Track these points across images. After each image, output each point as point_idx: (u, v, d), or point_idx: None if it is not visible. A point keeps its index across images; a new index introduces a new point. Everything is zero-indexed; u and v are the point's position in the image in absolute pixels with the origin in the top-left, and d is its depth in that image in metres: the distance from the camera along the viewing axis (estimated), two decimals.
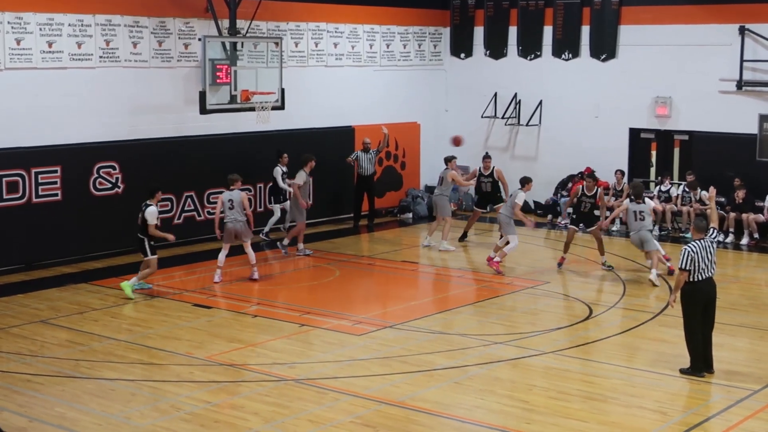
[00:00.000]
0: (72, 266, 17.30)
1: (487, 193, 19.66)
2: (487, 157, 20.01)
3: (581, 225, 17.42)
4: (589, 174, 18.20)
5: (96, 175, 17.91)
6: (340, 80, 22.36)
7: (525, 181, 17.58)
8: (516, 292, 16.01)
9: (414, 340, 13.11)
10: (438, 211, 19.39)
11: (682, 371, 11.71)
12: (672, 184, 21.29)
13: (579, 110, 22.90)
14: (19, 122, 16.96)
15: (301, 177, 18.25)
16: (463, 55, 24.76)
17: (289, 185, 18.92)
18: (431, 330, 13.60)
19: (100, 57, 18.02)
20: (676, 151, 22.13)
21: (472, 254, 18.91)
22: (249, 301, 15.22)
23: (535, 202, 22.87)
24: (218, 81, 18.46)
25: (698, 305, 11.51)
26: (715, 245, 11.63)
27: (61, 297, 15.29)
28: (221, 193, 19.20)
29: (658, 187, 21.32)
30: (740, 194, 19.97)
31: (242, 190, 16.66)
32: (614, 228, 20.81)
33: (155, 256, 15.22)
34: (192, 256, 18.39)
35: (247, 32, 19.29)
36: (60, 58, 17.45)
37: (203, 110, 18.21)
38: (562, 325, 14.05)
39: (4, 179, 16.70)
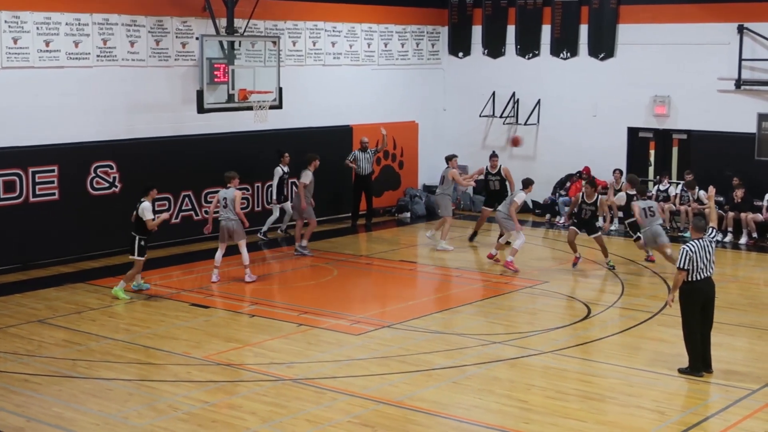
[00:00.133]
0: (69, 266, 17.27)
1: (495, 191, 19.66)
2: (494, 156, 20.04)
3: (583, 230, 17.40)
4: (588, 181, 18.16)
5: (93, 175, 17.88)
6: (337, 79, 22.34)
7: (528, 183, 17.61)
8: (514, 292, 15.99)
9: (412, 340, 13.09)
10: (440, 210, 19.41)
11: (681, 371, 11.70)
12: (670, 183, 21.28)
13: (577, 109, 22.89)
14: (17, 121, 16.93)
15: (308, 176, 18.23)
16: (461, 54, 24.75)
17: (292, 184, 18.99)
18: (429, 329, 13.58)
19: (98, 56, 17.99)
20: (675, 150, 22.12)
21: (470, 254, 18.89)
22: (246, 301, 15.19)
23: (533, 201, 22.85)
24: (216, 80, 18.46)
25: (697, 305, 11.49)
26: (714, 245, 11.60)
27: (58, 297, 15.27)
28: (219, 192, 19.21)
29: (656, 187, 21.31)
30: (739, 193, 19.96)
31: (240, 188, 16.63)
32: (613, 228, 20.79)
33: (142, 258, 15.06)
34: (189, 255, 18.36)
35: (244, 31, 19.27)
36: (57, 57, 17.42)
37: (201, 109, 18.20)
38: (560, 325, 14.03)
39: (1, 178, 16.67)
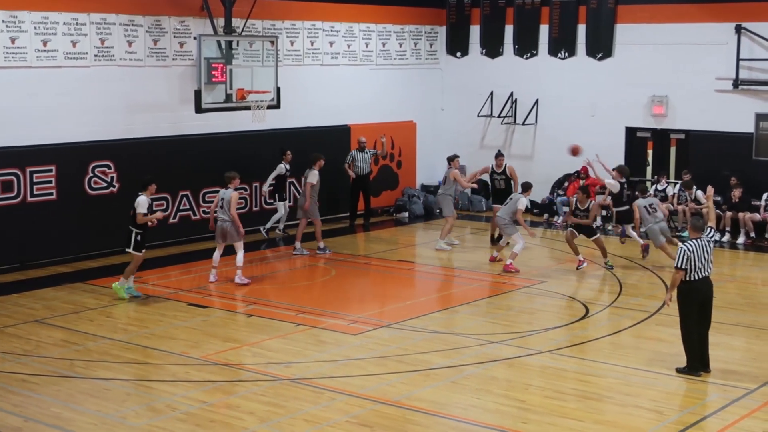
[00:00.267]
0: (67, 265, 17.26)
1: (501, 190, 19.67)
2: (499, 155, 20.07)
3: (581, 234, 17.40)
4: (581, 187, 18.20)
5: (91, 174, 17.87)
6: (336, 79, 22.34)
7: (527, 187, 17.70)
8: (512, 292, 15.99)
9: (410, 340, 13.09)
10: (442, 211, 19.47)
11: (679, 370, 11.70)
12: (668, 183, 21.29)
13: (575, 109, 22.90)
14: (14, 121, 16.92)
15: (315, 176, 18.26)
16: (459, 54, 24.75)
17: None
18: (427, 329, 13.58)
19: (95, 56, 17.98)
20: (673, 150, 22.14)
21: (468, 254, 18.89)
22: (244, 301, 15.19)
23: (531, 201, 22.81)
24: (214, 80, 18.45)
25: (695, 304, 11.49)
26: (712, 244, 11.61)
27: (56, 296, 15.26)
28: (217, 192, 19.19)
29: (654, 186, 21.32)
30: (736, 193, 19.98)
31: (239, 188, 16.58)
32: (609, 227, 20.80)
33: (140, 253, 14.93)
34: (187, 255, 18.36)
35: (242, 31, 19.26)
36: (55, 56, 17.41)
37: (199, 109, 18.19)
38: (558, 325, 14.03)
39: None
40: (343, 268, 17.62)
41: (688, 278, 11.40)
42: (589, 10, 22.67)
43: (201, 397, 10.86)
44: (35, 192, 17.10)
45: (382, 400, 10.77)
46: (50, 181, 17.30)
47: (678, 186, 20.80)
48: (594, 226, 17.47)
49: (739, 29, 20.62)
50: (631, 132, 22.40)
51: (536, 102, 23.46)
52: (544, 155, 23.34)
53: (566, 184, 22.33)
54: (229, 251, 16.45)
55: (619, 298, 15.44)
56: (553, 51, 23.29)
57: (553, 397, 10.92)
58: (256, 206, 20.52)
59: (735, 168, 20.36)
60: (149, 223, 15.04)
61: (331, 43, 22.25)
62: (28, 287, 15.80)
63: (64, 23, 17.48)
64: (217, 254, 16.21)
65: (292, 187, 20.48)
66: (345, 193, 21.81)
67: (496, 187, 19.81)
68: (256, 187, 20.45)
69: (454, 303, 15.32)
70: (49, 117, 17.38)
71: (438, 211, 23.16)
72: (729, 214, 19.93)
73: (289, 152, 19.67)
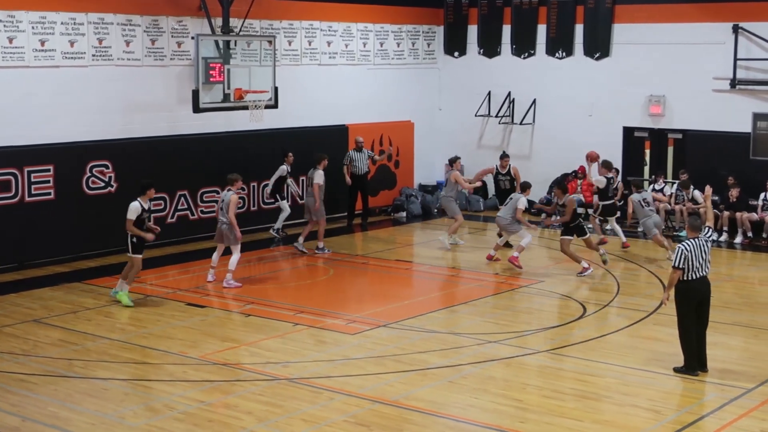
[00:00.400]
0: (65, 265, 17.26)
1: (506, 190, 19.75)
2: (505, 156, 20.18)
3: (573, 234, 17.42)
4: (557, 182, 18.38)
5: (89, 174, 17.87)
6: (333, 79, 22.35)
7: (526, 186, 17.80)
8: (510, 291, 16.01)
9: (408, 339, 13.10)
10: (447, 213, 19.56)
11: (676, 370, 11.72)
12: (665, 182, 21.30)
13: (573, 109, 22.92)
14: (12, 121, 16.91)
15: (321, 176, 18.26)
16: (456, 54, 24.76)
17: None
18: (425, 329, 13.59)
19: (93, 55, 17.98)
20: (670, 149, 22.15)
21: (466, 253, 18.89)
22: (242, 301, 15.19)
23: (529, 200, 22.79)
24: (211, 80, 18.46)
25: (692, 304, 11.51)
26: (709, 244, 11.62)
27: (54, 296, 15.26)
28: (215, 192, 19.23)
29: (651, 186, 21.33)
30: (734, 193, 20.00)
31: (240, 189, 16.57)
32: (608, 227, 20.80)
33: (138, 256, 14.53)
34: (185, 255, 18.36)
35: (240, 31, 19.26)
36: (52, 56, 17.41)
37: (196, 109, 18.19)
38: (556, 324, 14.05)
39: None
40: (341, 268, 17.63)
41: (685, 278, 11.41)
42: (587, 9, 22.69)
43: (199, 397, 10.86)
44: (33, 192, 17.09)
45: (380, 399, 10.78)
46: (48, 181, 17.29)
47: (675, 186, 20.82)
48: (586, 227, 17.39)
49: (736, 29, 20.64)
50: (628, 132, 22.42)
51: (534, 102, 23.48)
52: (541, 155, 23.36)
53: (564, 183, 22.32)
54: (228, 251, 16.44)
55: (617, 298, 15.45)
56: (551, 51, 23.30)
57: (550, 396, 10.93)
58: (254, 206, 20.52)
59: (732, 168, 20.39)
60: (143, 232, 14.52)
61: (328, 43, 22.26)
62: (26, 287, 15.80)
63: (62, 23, 17.47)
64: (216, 255, 16.20)
65: (287, 188, 20.42)
66: (343, 193, 21.81)
67: (501, 188, 19.88)
68: (254, 187, 20.45)
69: (452, 302, 15.33)
70: (47, 117, 17.38)
71: (435, 210, 23.24)
72: (726, 213, 19.95)
73: (290, 154, 19.66)
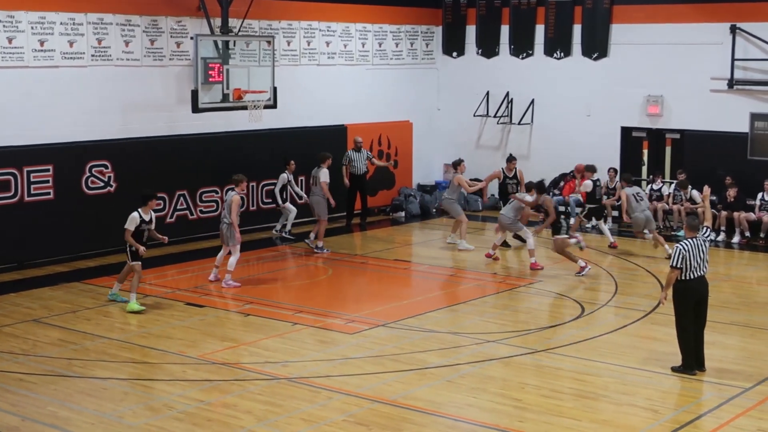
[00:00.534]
0: (64, 265, 17.27)
1: (513, 194, 19.73)
2: (511, 159, 20.19)
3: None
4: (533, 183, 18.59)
5: (88, 174, 17.88)
6: (332, 79, 22.36)
7: (531, 187, 17.90)
8: (508, 291, 16.03)
9: (407, 339, 13.12)
10: (451, 214, 19.61)
11: (674, 369, 11.75)
12: (663, 182, 21.34)
13: (571, 109, 22.94)
14: (11, 121, 16.93)
15: (326, 174, 18.43)
16: (455, 54, 24.79)
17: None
18: (424, 328, 13.61)
19: (92, 55, 18.00)
20: (668, 149, 22.18)
21: (464, 253, 18.90)
22: (242, 300, 15.21)
23: None
24: (210, 80, 18.47)
25: (690, 303, 11.54)
26: (707, 244, 11.65)
27: (53, 296, 15.28)
28: (214, 192, 19.24)
29: (649, 186, 21.38)
30: (731, 193, 20.03)
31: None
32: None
33: (138, 262, 14.35)
34: (184, 255, 18.37)
35: (239, 31, 19.28)
36: (52, 56, 17.43)
37: (195, 109, 18.20)
38: (554, 324, 14.08)
39: None
40: (340, 268, 17.65)
41: (683, 277, 11.44)
42: (585, 10, 22.72)
43: (198, 396, 10.89)
44: (32, 191, 17.11)
45: (379, 399, 10.81)
46: (47, 181, 17.31)
47: (673, 186, 20.85)
48: (560, 227, 17.32)
49: (734, 29, 20.67)
50: (626, 132, 22.44)
51: (532, 102, 23.50)
52: (539, 155, 23.37)
53: (562, 183, 22.35)
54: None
55: (615, 297, 15.48)
56: (549, 51, 23.33)
57: (549, 396, 10.96)
58: (253, 206, 20.53)
59: (730, 168, 20.42)
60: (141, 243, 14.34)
61: (327, 43, 22.28)
62: (26, 287, 15.81)
63: (61, 23, 17.49)
64: (221, 254, 16.20)
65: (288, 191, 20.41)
66: (342, 193, 21.82)
67: (508, 191, 19.87)
68: (252, 187, 20.46)
69: (451, 302, 15.36)
70: (46, 117, 17.40)
71: (434, 210, 23.27)
72: (724, 213, 19.98)
73: (292, 162, 19.66)
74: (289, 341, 12.98)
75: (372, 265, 18.05)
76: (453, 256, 18.68)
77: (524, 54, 23.71)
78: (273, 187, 19.92)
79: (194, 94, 18.11)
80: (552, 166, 22.78)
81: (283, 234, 19.87)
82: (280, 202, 19.72)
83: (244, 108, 18.85)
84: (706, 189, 12.77)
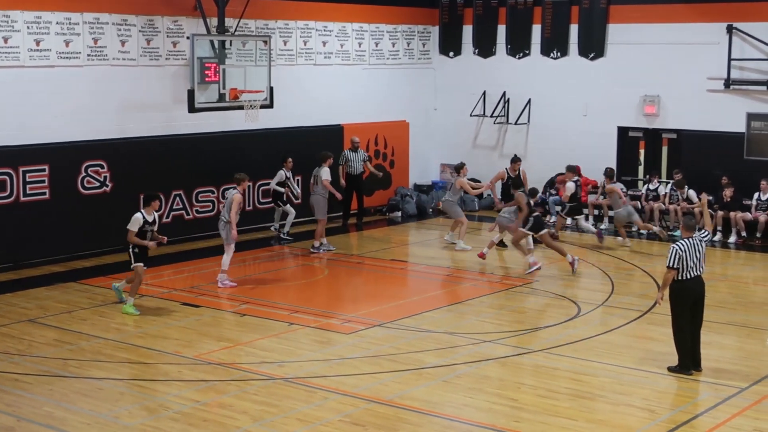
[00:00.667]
0: (60, 265, 17.25)
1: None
2: (516, 160, 20.25)
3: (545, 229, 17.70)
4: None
5: (84, 174, 17.86)
6: (329, 79, 22.35)
7: (535, 193, 18.27)
8: (505, 291, 16.03)
9: (403, 339, 13.12)
10: (451, 216, 19.64)
11: (670, 369, 11.75)
12: (660, 182, 21.35)
13: (567, 109, 22.95)
14: (7, 121, 16.91)
15: (327, 173, 18.49)
16: (452, 54, 24.78)
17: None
18: (420, 328, 13.61)
19: (88, 55, 17.97)
20: (664, 149, 22.20)
21: (461, 253, 18.89)
22: (238, 300, 15.20)
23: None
24: (207, 79, 18.45)
25: (686, 303, 11.54)
26: (704, 244, 11.65)
27: (49, 296, 15.25)
28: (210, 191, 19.21)
29: (646, 186, 21.38)
30: (728, 193, 20.05)
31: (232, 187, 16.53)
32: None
33: (141, 265, 14.29)
34: (180, 255, 18.35)
35: (235, 30, 19.27)
36: (48, 56, 17.40)
37: (192, 109, 18.19)
38: (550, 324, 14.07)
39: None
40: (336, 268, 17.65)
41: (680, 277, 11.44)
42: (582, 10, 22.72)
43: (194, 397, 10.87)
44: (28, 191, 17.08)
45: (375, 399, 10.80)
46: (43, 181, 17.29)
47: (670, 185, 20.87)
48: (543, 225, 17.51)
49: (730, 29, 20.69)
50: (623, 131, 22.46)
51: (529, 101, 23.50)
52: (536, 155, 23.38)
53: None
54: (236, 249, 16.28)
55: (611, 297, 15.49)
56: (546, 51, 23.33)
57: (545, 396, 10.95)
58: (249, 206, 20.50)
59: (726, 167, 20.43)
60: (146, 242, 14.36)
61: (324, 43, 22.26)
62: (21, 287, 15.79)
63: (57, 23, 17.46)
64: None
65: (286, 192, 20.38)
66: (338, 193, 21.80)
67: (511, 192, 19.87)
68: (249, 186, 20.42)
69: (447, 302, 15.36)
70: (42, 116, 17.37)
71: (430, 210, 23.27)
72: (720, 213, 20.00)
73: (290, 159, 19.66)
74: (286, 341, 12.97)
75: (368, 265, 18.04)
76: (450, 256, 18.68)
77: (521, 54, 23.71)
78: (269, 186, 19.89)
79: (190, 94, 18.10)
80: (549, 166, 22.77)
81: (281, 235, 19.86)
82: (277, 189, 19.63)
83: (241, 108, 18.85)
84: (704, 197, 12.78)
